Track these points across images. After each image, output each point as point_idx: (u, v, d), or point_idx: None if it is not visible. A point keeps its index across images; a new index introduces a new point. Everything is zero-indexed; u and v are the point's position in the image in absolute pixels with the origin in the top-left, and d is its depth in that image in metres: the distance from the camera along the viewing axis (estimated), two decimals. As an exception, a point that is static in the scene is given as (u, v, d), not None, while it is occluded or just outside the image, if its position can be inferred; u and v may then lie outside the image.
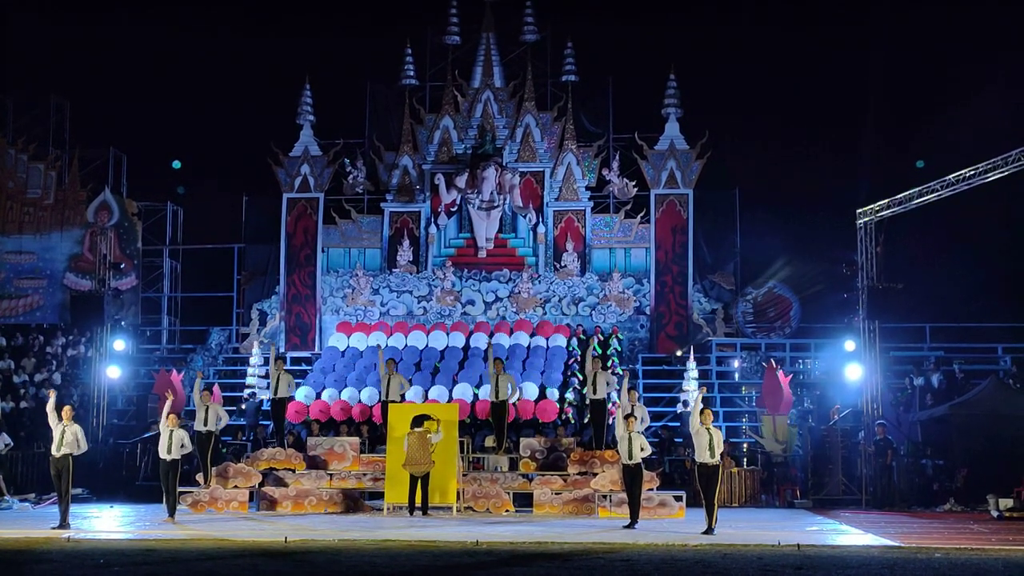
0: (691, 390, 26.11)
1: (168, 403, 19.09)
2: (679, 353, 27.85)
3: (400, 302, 30.51)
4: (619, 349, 27.60)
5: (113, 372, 26.88)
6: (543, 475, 21.01)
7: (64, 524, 17.17)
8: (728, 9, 35.60)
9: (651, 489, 20.10)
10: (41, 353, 29.91)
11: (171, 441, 18.52)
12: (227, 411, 24.19)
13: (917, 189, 24.84)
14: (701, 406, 17.72)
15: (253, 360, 27.64)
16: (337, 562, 13.57)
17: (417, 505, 19.45)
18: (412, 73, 32.01)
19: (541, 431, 23.36)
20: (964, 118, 30.53)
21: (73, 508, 17.94)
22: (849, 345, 25.52)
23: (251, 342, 30.06)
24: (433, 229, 31.07)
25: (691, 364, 26.87)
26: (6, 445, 23.53)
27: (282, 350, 28.88)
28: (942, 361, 27.32)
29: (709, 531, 16.81)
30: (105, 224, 32.49)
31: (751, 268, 30.81)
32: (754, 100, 33.49)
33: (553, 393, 24.67)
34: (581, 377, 23.99)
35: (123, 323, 28.32)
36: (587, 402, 22.47)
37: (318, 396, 25.36)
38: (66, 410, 17.79)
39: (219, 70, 34.74)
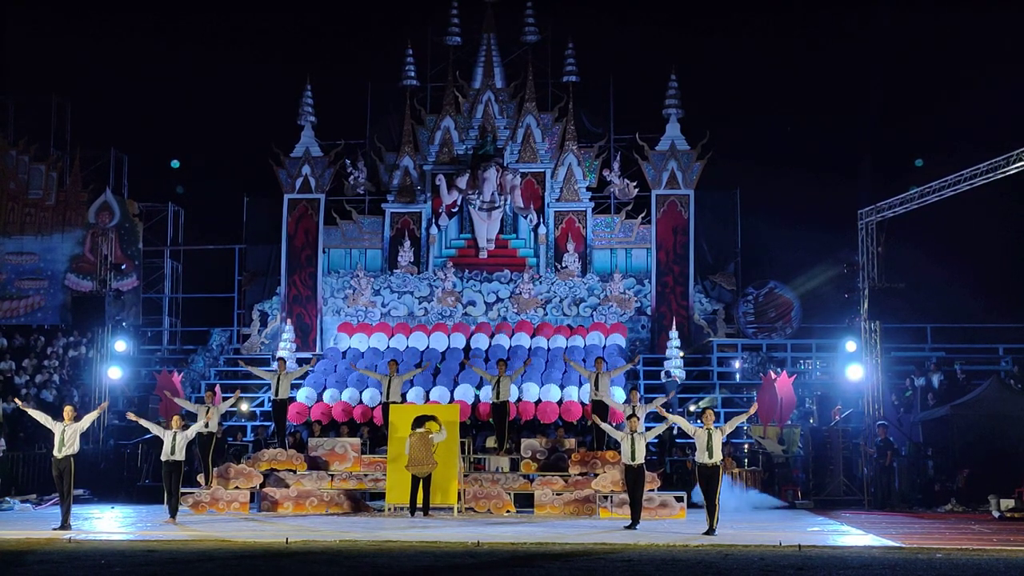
0: (675, 359, 26.98)
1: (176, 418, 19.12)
2: (682, 355, 27.89)
3: (401, 303, 30.51)
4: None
5: (114, 373, 26.89)
6: (544, 476, 21.01)
7: (65, 525, 17.16)
8: (728, 9, 35.65)
9: (652, 490, 20.10)
10: (42, 354, 29.91)
11: (174, 442, 18.52)
12: (228, 411, 24.28)
13: (918, 189, 24.82)
14: (700, 409, 17.80)
15: (285, 336, 28.40)
16: (338, 563, 13.57)
17: (418, 506, 19.46)
18: (413, 74, 32.03)
19: (544, 432, 23.38)
20: (964, 118, 30.54)
21: (74, 509, 17.91)
22: (850, 346, 25.50)
23: (253, 341, 30.22)
24: (434, 230, 31.08)
25: (673, 334, 27.50)
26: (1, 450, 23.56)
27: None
28: (943, 361, 27.30)
29: (710, 532, 16.80)
30: (106, 225, 32.54)
31: (752, 268, 30.85)
32: (755, 100, 33.51)
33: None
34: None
35: (124, 324, 28.30)
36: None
37: (319, 397, 25.36)
38: (68, 410, 17.79)
39: (220, 70, 34.76)
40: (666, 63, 31.17)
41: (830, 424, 24.70)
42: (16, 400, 18.06)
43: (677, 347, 27.42)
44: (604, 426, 19.59)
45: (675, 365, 27.14)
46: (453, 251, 31.01)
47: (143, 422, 19.31)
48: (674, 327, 27.96)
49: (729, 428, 17.91)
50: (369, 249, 31.44)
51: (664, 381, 26.93)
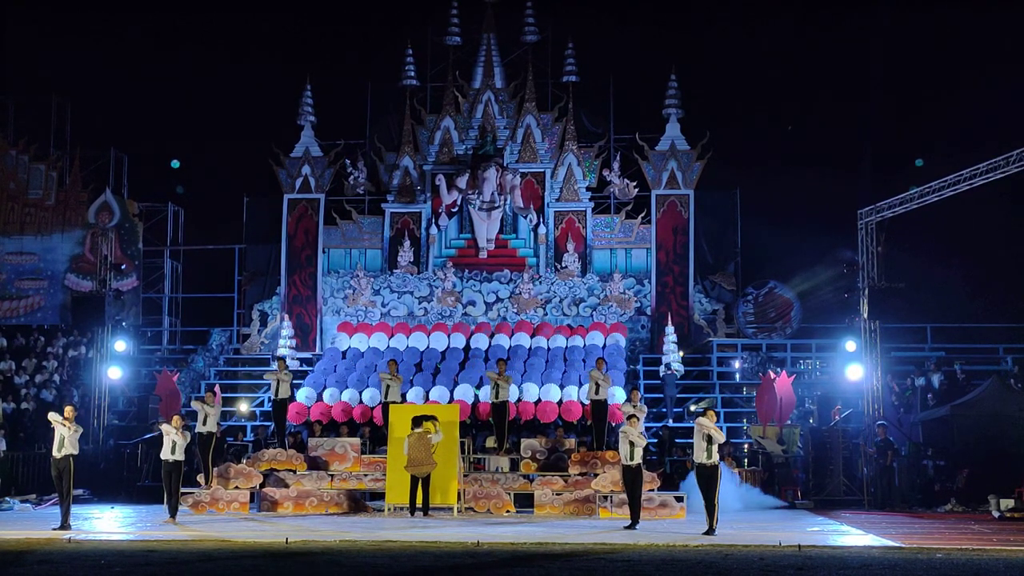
0: (672, 353, 27.16)
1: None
2: (681, 354, 27.94)
3: (401, 303, 30.51)
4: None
5: (114, 373, 26.88)
6: (544, 476, 21.01)
7: (65, 525, 17.16)
8: (728, 9, 35.67)
9: (652, 490, 20.10)
10: (42, 354, 29.91)
11: (175, 442, 18.51)
12: (226, 411, 24.31)
13: (918, 189, 24.83)
14: (701, 409, 17.79)
15: (285, 332, 28.57)
16: (338, 563, 13.57)
17: (418, 506, 19.46)
18: (413, 74, 32.03)
19: (544, 432, 23.38)
20: (964, 118, 30.55)
21: (74, 509, 17.93)
22: (850, 345, 25.50)
23: (253, 342, 30.24)
24: (434, 230, 31.07)
25: (669, 329, 27.66)
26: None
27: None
28: (943, 361, 27.30)
29: (710, 532, 16.80)
30: (106, 225, 32.53)
31: (752, 268, 30.86)
32: (755, 100, 33.54)
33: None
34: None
35: (124, 324, 28.31)
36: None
37: (319, 397, 25.35)
38: (68, 410, 17.78)
39: (220, 70, 34.79)
40: (666, 63, 31.20)
41: (830, 424, 24.69)
42: (50, 416, 18.02)
43: (674, 342, 27.54)
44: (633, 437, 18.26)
45: (674, 359, 27.20)
46: (453, 251, 31.01)
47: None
48: (670, 323, 28.01)
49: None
50: (369, 249, 31.44)
51: (663, 375, 26.94)
